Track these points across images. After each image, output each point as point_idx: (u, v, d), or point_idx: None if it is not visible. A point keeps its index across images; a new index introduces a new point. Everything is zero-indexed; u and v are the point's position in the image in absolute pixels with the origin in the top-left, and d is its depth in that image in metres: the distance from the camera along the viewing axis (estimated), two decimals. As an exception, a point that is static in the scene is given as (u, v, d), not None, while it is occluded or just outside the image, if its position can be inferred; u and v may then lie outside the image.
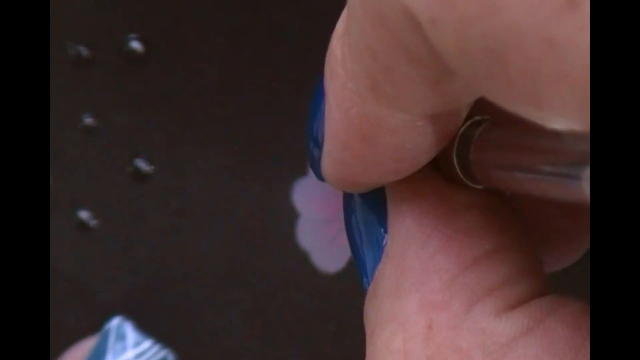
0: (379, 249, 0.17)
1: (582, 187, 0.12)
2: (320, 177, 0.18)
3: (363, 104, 0.15)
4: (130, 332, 0.31)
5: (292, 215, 0.30)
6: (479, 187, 0.17)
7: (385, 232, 0.17)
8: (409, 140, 0.15)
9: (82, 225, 0.31)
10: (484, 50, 0.11)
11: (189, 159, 0.30)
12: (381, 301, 0.16)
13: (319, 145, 0.17)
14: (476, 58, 0.11)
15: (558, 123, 0.11)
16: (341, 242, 0.29)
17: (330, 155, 0.16)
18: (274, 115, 0.30)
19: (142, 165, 0.31)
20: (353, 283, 0.29)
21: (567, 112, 0.11)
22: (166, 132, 0.30)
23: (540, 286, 0.16)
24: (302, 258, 0.30)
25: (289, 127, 0.30)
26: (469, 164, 0.16)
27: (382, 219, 0.17)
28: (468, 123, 0.16)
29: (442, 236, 0.16)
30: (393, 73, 0.14)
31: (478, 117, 0.16)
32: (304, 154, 0.30)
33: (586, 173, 0.12)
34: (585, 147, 0.12)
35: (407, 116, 0.15)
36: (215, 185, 0.30)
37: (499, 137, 0.15)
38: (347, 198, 0.19)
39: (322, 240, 0.29)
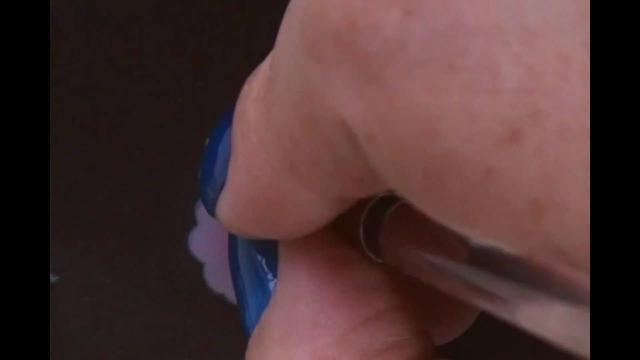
0: (265, 293, 0.17)
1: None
2: (212, 214, 0.18)
3: (275, 177, 0.14)
4: None
5: (197, 268, 0.30)
6: (379, 260, 0.16)
7: (274, 277, 0.17)
8: (316, 212, 0.15)
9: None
10: (420, 172, 0.11)
11: (85, 254, 0.31)
12: (268, 347, 0.16)
13: (215, 189, 0.16)
14: (412, 177, 0.11)
15: (485, 240, 0.11)
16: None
17: (229, 207, 0.16)
18: (149, 183, 0.31)
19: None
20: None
21: (499, 235, 0.11)
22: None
23: (429, 348, 0.16)
24: (220, 300, 0.30)
25: (165, 189, 0.31)
26: (376, 242, 0.16)
27: (270, 263, 0.17)
28: (380, 195, 0.15)
29: (335, 290, 0.16)
30: (315, 164, 0.13)
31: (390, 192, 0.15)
32: (187, 205, 0.30)
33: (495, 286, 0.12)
34: (498, 259, 0.11)
35: (320, 196, 0.14)
36: (116, 270, 0.31)
37: (411, 223, 0.15)
38: (232, 237, 0.19)
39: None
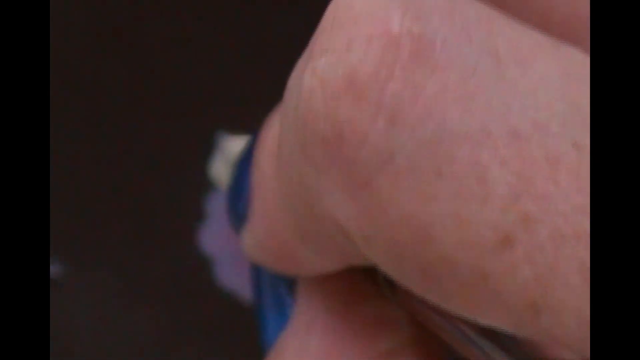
0: (283, 315, 0.17)
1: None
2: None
3: (287, 237, 0.14)
4: None
5: (206, 264, 0.29)
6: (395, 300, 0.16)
7: (293, 301, 0.17)
8: (329, 267, 0.15)
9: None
10: (417, 272, 0.11)
11: (91, 249, 0.30)
12: None
13: (239, 222, 0.17)
14: (409, 275, 0.11)
15: (489, 325, 0.11)
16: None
17: (250, 245, 0.16)
18: (157, 176, 0.30)
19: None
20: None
21: (500, 325, 0.11)
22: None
23: None
24: (230, 297, 0.29)
25: (173, 183, 0.30)
26: (394, 287, 0.15)
27: (290, 287, 0.17)
28: None
29: (349, 324, 0.16)
30: (319, 244, 0.13)
31: None
32: (196, 199, 0.30)
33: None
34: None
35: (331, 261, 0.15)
36: (122, 266, 0.30)
37: None
38: None
39: (244, 274, 0.29)
